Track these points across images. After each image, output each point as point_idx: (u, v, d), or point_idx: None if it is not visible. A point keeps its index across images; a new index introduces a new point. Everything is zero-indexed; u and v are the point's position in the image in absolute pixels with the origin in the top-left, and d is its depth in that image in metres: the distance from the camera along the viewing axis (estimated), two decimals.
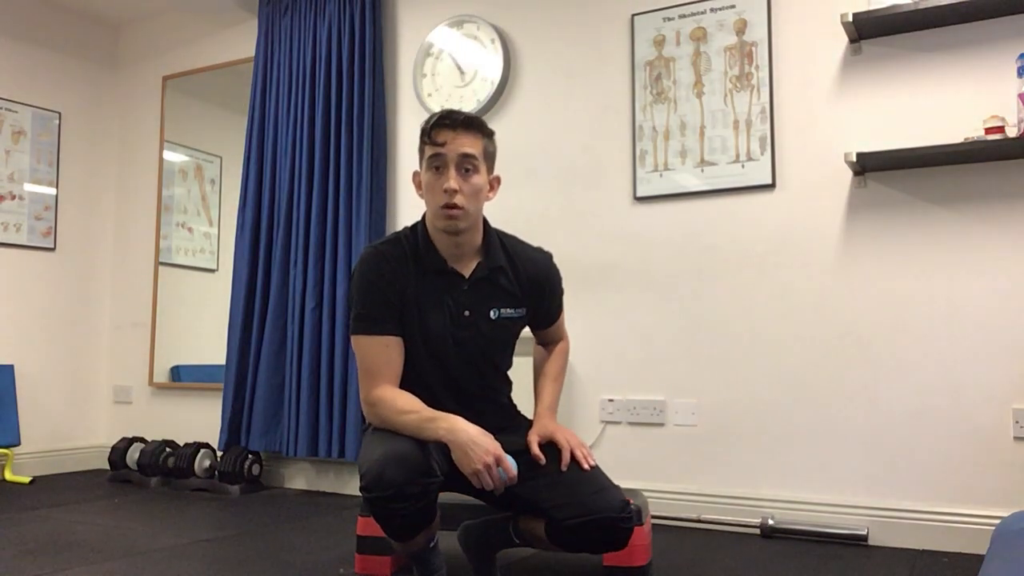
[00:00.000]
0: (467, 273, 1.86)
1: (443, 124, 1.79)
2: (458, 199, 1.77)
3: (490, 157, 1.87)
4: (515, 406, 2.04)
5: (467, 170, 1.79)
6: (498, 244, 1.92)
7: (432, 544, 1.89)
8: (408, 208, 3.61)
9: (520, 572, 2.28)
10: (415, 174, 1.89)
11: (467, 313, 1.85)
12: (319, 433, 3.52)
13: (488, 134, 1.86)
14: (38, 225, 4.22)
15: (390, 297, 1.80)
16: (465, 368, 1.88)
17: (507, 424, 1.93)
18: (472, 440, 1.66)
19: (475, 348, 1.87)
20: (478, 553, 2.03)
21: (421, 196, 1.86)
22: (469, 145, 1.80)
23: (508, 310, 1.90)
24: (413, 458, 1.65)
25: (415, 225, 1.90)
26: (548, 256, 2.00)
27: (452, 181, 1.76)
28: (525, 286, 1.93)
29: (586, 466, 1.79)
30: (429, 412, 1.72)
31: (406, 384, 1.82)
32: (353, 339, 1.82)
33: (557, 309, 2.04)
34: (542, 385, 2.02)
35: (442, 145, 1.78)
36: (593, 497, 1.74)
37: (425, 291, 1.83)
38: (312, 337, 3.56)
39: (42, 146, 4.26)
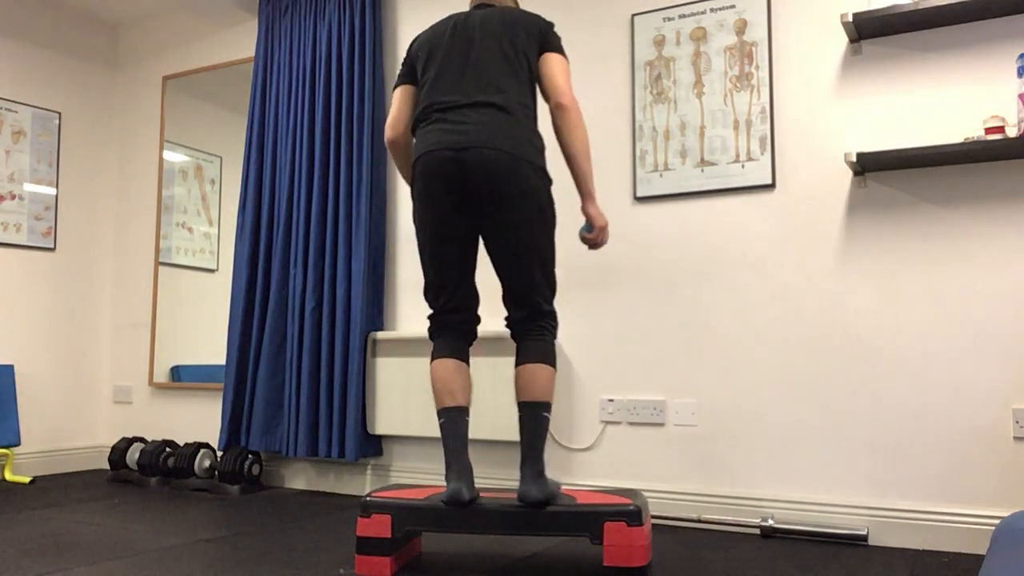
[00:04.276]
0: None
1: None
2: None
3: None
4: None
5: None
6: None
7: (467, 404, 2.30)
8: (408, 208, 3.61)
9: (520, 572, 2.28)
10: None
11: None
12: (319, 433, 3.52)
13: None
14: (38, 225, 4.22)
15: None
16: None
17: None
18: None
19: None
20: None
21: None
22: None
23: None
24: None
25: None
26: None
27: None
28: None
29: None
30: None
31: None
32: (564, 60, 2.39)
33: None
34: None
35: None
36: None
37: None
38: (312, 337, 3.56)
39: (42, 146, 4.26)
